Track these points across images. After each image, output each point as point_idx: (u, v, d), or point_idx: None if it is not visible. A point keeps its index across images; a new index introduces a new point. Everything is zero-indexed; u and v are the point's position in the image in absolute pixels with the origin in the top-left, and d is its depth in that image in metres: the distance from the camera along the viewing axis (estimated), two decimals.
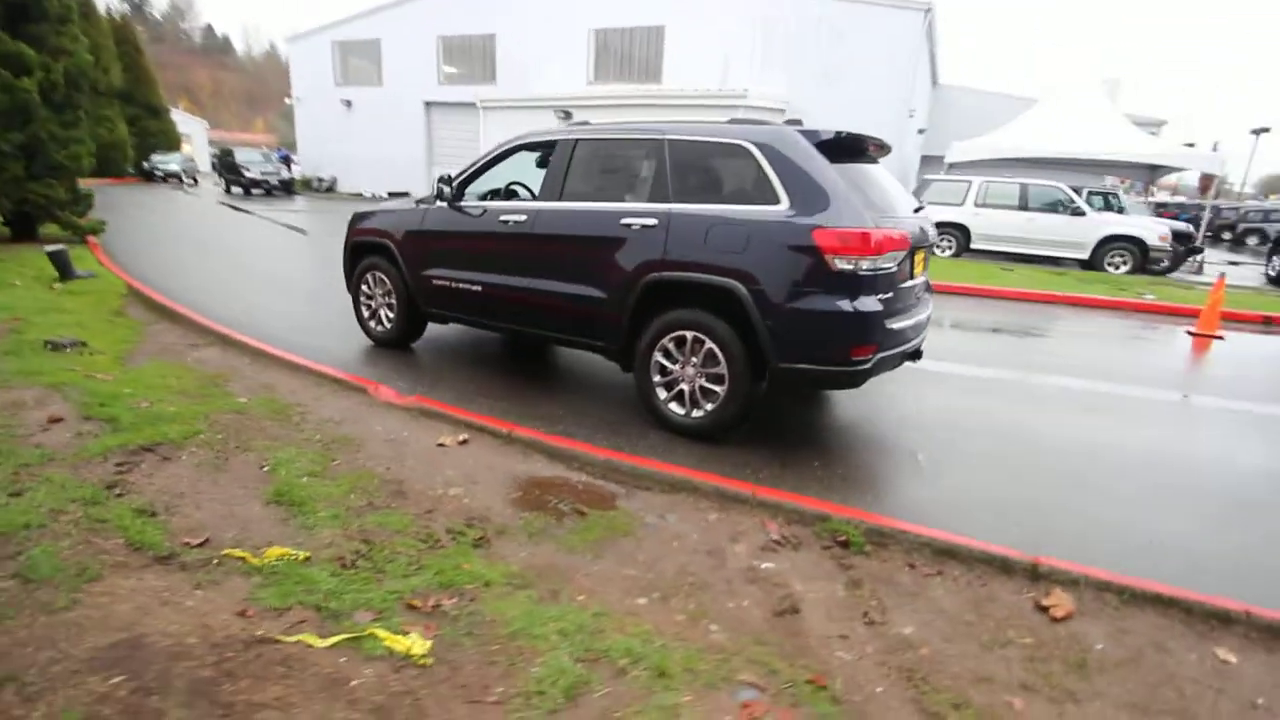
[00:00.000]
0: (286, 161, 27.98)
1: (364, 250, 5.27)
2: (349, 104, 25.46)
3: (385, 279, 5.11)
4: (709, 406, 3.66)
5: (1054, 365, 5.74)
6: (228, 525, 2.49)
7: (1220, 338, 7.38)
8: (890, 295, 3.42)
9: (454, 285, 4.63)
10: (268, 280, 8.14)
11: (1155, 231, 12.47)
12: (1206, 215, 19.69)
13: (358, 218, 5.38)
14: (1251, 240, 26.46)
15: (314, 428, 3.47)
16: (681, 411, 3.77)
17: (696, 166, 3.70)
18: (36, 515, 2.40)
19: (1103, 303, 9.15)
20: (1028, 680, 1.98)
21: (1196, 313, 7.88)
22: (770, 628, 2.14)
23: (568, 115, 17.43)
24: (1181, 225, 15.01)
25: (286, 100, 29.70)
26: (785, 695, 1.84)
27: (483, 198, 4.80)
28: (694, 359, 3.67)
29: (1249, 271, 16.36)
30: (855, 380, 3.41)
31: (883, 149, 3.98)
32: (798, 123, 3.71)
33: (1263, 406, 4.86)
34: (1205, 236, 18.66)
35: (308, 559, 2.30)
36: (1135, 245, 12.34)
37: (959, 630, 2.18)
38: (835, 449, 3.70)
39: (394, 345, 5.25)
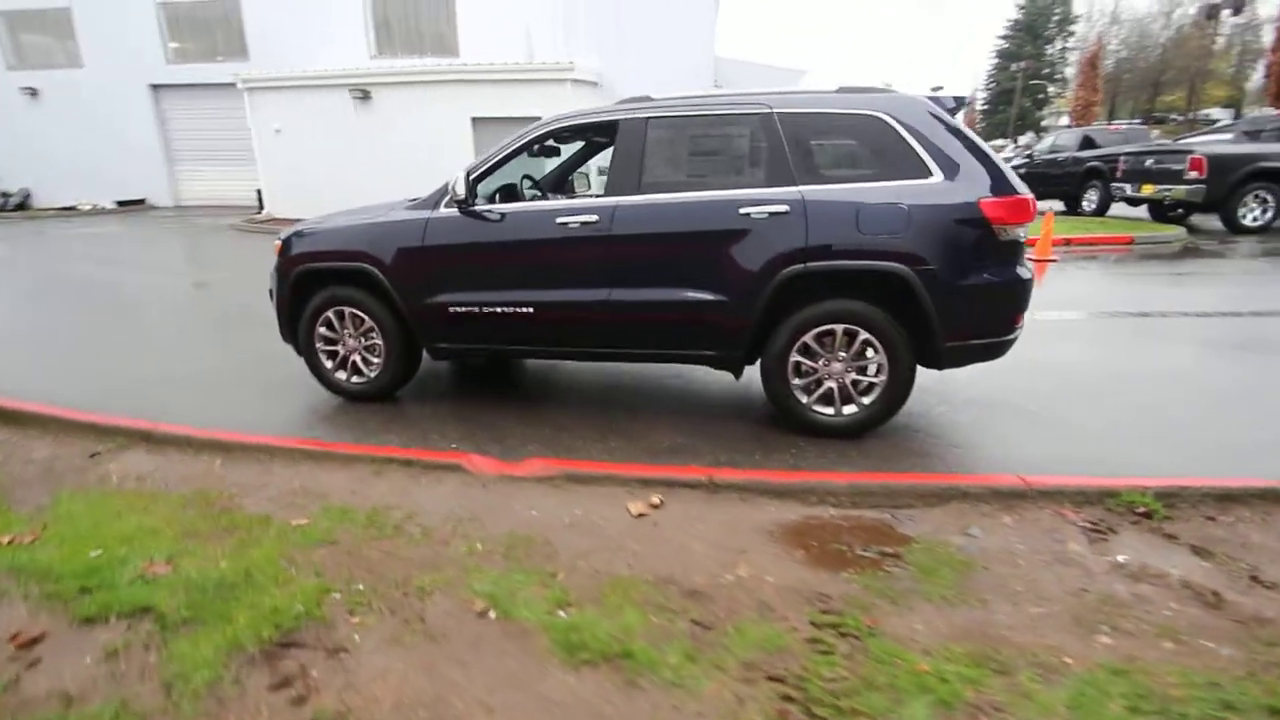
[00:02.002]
0: None
1: (317, 282, 3.99)
2: (34, 93, 19.49)
3: (363, 315, 3.93)
4: (865, 401, 3.40)
5: None
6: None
7: (1055, 260, 8.97)
8: None
9: (485, 311, 3.70)
10: (71, 337, 5.90)
11: None
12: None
13: (296, 239, 4.05)
14: None
15: (455, 535, 2.52)
16: (829, 412, 3.46)
17: (821, 141, 3.32)
18: None
19: None
20: None
21: (1033, 243, 9.46)
22: (1230, 622, 2.02)
23: (366, 95, 15.27)
24: None
25: None
26: None
27: (489, 199, 3.89)
28: (842, 353, 3.37)
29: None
30: (1007, 349, 3.39)
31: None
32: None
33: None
34: None
35: None
36: None
37: None
38: (976, 420, 3.68)
39: (376, 397, 4.09)
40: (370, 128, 15.40)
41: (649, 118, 3.48)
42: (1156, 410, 3.80)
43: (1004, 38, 53.76)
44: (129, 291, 8.21)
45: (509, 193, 4.19)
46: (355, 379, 4.12)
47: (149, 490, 2.94)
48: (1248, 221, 10.82)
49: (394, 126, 15.20)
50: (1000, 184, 3.14)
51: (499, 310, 3.69)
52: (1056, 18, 52.70)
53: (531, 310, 3.64)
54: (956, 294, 3.18)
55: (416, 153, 14.94)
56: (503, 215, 3.65)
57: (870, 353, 3.33)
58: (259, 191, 16.59)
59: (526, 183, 4.41)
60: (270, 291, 4.26)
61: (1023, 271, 3.23)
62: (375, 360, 4.04)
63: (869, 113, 3.24)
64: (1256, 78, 41.58)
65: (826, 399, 3.46)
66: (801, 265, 3.24)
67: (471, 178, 3.63)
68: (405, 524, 2.59)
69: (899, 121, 3.20)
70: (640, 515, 2.65)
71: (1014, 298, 3.25)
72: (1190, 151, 10.90)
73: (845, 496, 2.75)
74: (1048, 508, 2.67)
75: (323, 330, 4.06)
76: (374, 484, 2.95)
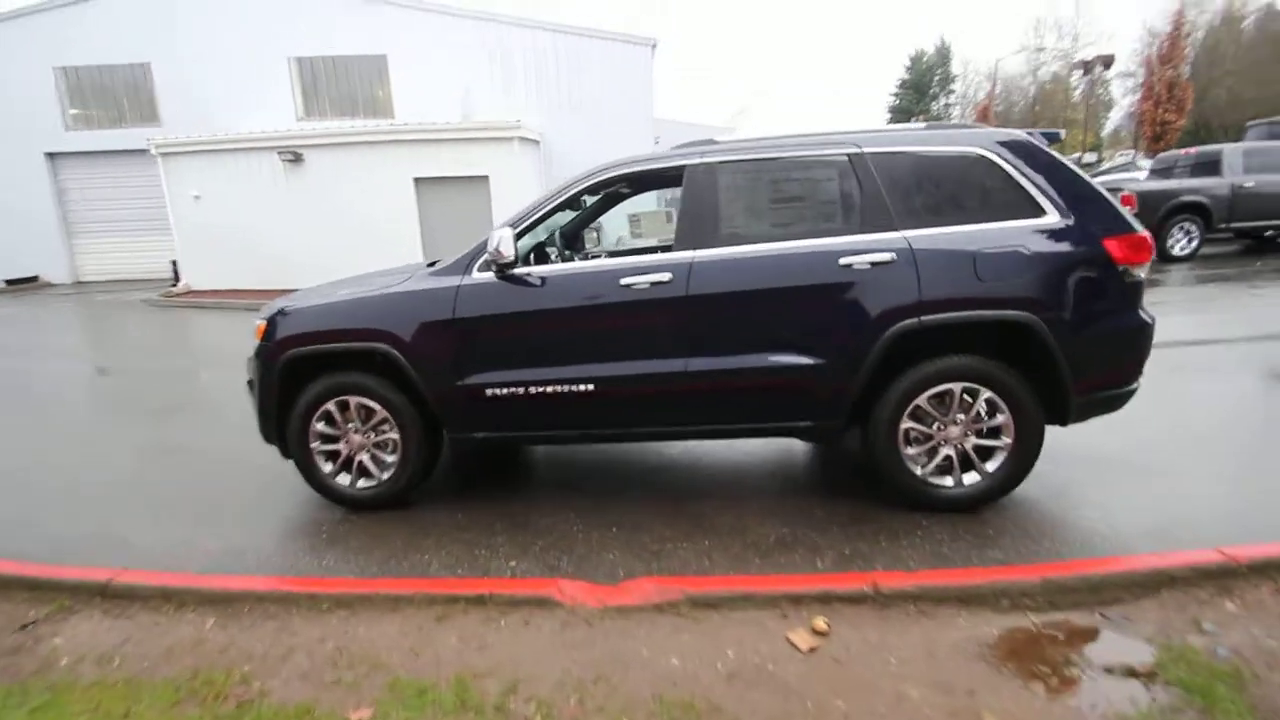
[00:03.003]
0: None
1: (314, 368, 3.27)
2: None
3: (375, 405, 3.23)
4: (990, 467, 2.99)
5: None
6: None
7: None
8: None
9: (533, 392, 3.09)
10: None
11: None
12: None
13: (283, 319, 3.33)
14: None
15: (587, 711, 1.86)
16: (948, 483, 3.02)
17: (920, 182, 2.98)
18: None
19: None
20: None
21: None
22: None
23: (297, 158, 14.40)
24: None
25: None
26: None
27: (524, 261, 3.33)
28: (961, 415, 2.96)
29: None
30: (1129, 399, 3.08)
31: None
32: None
33: None
34: None
35: None
36: None
37: None
38: (1090, 478, 3.32)
39: (389, 504, 3.36)
40: (302, 192, 14.48)
41: (720, 163, 3.06)
42: (1216, 446, 3.60)
43: (895, 95, 58.33)
44: (30, 382, 6.98)
45: (538, 254, 3.65)
46: (363, 483, 3.37)
47: (121, 678, 2.11)
48: (1176, 251, 11.56)
49: (329, 190, 14.34)
50: (1119, 221, 2.88)
51: (551, 390, 3.09)
52: (939, 76, 57.89)
53: (592, 387, 3.06)
54: (1085, 342, 2.85)
55: (355, 217, 14.12)
56: (549, 279, 3.10)
57: (994, 413, 2.94)
58: (174, 263, 15.20)
59: (556, 241, 3.87)
60: (249, 383, 3.49)
61: (1145, 316, 2.95)
62: (389, 458, 3.32)
63: (971, 150, 2.94)
64: (1110, 125, 46.38)
65: (943, 468, 3.03)
66: (915, 320, 2.84)
67: (517, 234, 3.08)
68: (510, 701, 1.91)
69: (1004, 158, 2.91)
70: (812, 649, 2.07)
71: (1141, 344, 2.95)
72: (1120, 189, 11.63)
73: (1040, 596, 2.27)
74: (1265, 585, 2.29)
75: (320, 426, 3.31)
76: (439, 636, 2.24)
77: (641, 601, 2.33)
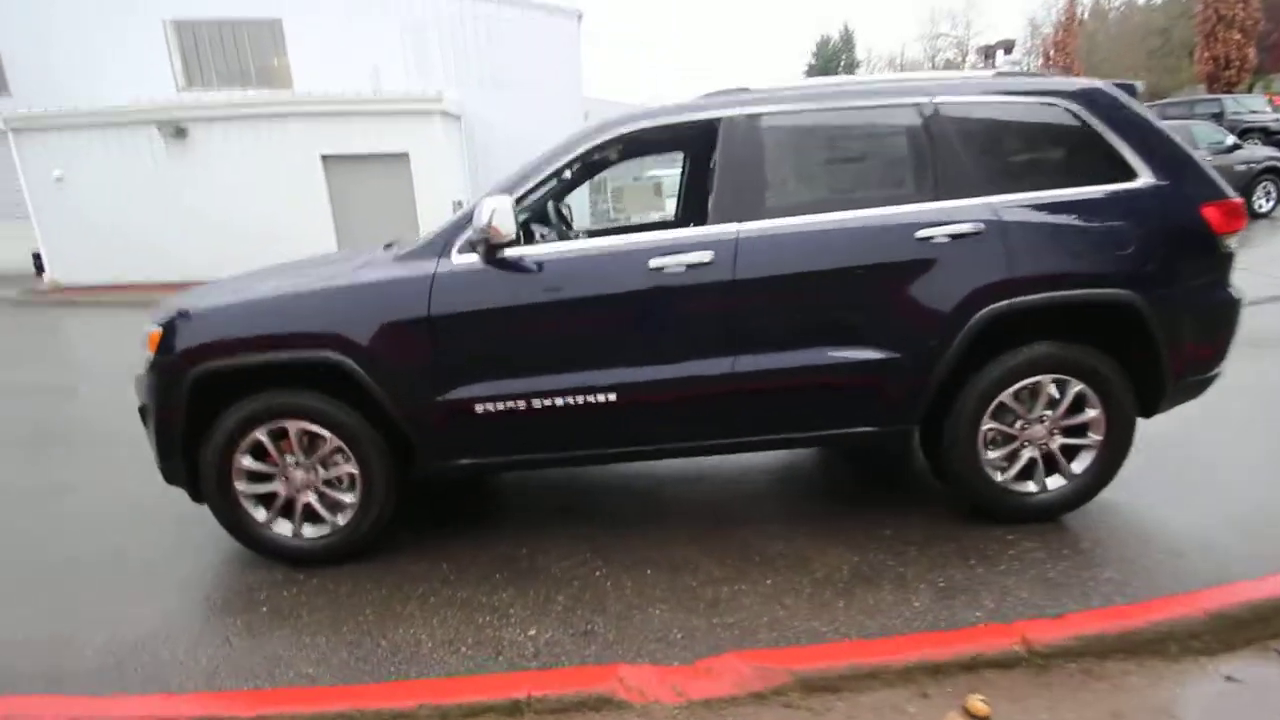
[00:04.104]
0: None
1: (236, 387, 2.47)
2: None
3: (323, 431, 2.47)
4: (1076, 468, 2.59)
5: None
6: None
7: None
8: None
9: (538, 406, 2.43)
10: None
11: None
12: None
13: (185, 323, 2.49)
14: None
15: None
16: (1030, 488, 2.61)
17: (1001, 138, 2.51)
18: None
19: None
20: None
21: None
22: None
23: (180, 132, 12.66)
24: None
25: None
26: None
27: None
28: (1046, 412, 2.55)
29: None
30: (1210, 385, 2.77)
31: None
32: None
33: None
34: None
35: None
36: None
37: None
38: (1177, 474, 3.01)
39: (345, 555, 2.61)
40: (188, 171, 12.76)
41: (765, 114, 2.47)
42: None
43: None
44: None
45: (526, 231, 2.95)
46: (311, 530, 2.60)
47: None
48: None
49: (221, 170, 12.71)
50: (1215, 186, 2.52)
51: (561, 403, 2.43)
52: (844, 62, 59.72)
53: (614, 397, 2.43)
54: (1184, 323, 2.49)
55: (253, 200, 12.59)
56: (551, 263, 2.43)
57: (1083, 408, 2.54)
58: (36, 255, 13.09)
59: (554, 214, 3.16)
60: (141, 410, 2.63)
61: (1235, 291, 2.63)
62: (346, 498, 2.56)
63: (1054, 102, 2.49)
64: None
65: (1024, 472, 2.62)
66: (1005, 302, 2.38)
67: (517, 202, 2.38)
68: None
69: (1091, 111, 2.49)
70: None
71: (1232, 323, 2.63)
72: None
73: (1208, 635, 1.87)
74: None
75: (247, 462, 2.51)
76: None
77: (736, 690, 1.75)
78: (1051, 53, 28.23)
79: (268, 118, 12.87)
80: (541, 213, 3.31)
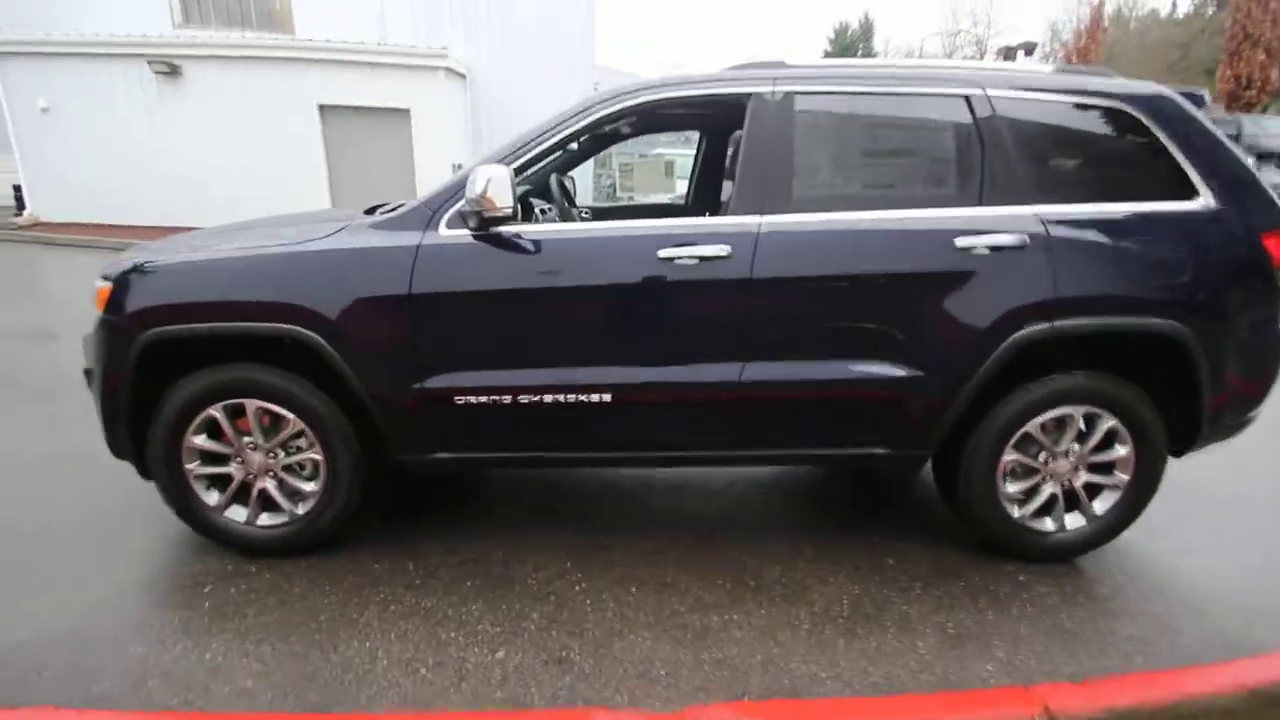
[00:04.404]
0: None
1: (190, 357, 2.22)
2: None
3: (285, 413, 2.23)
4: (1098, 508, 2.41)
5: None
6: None
7: None
8: None
9: (525, 401, 2.21)
10: None
11: None
12: None
13: (140, 280, 2.24)
14: None
15: None
16: (1048, 527, 2.42)
17: (1055, 142, 2.28)
18: None
19: None
20: None
21: None
22: None
23: (173, 70, 12.15)
24: None
25: None
26: None
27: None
28: (1074, 446, 2.35)
29: None
30: (1247, 426, 2.59)
31: None
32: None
33: None
34: None
35: None
36: None
37: None
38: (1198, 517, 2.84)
39: (304, 547, 2.39)
40: (180, 111, 12.28)
41: (802, 94, 2.22)
42: None
43: None
44: None
45: (524, 206, 2.70)
46: (268, 519, 2.38)
47: None
48: None
49: (214, 112, 12.22)
50: (1275, 210, 2.32)
51: (550, 400, 2.21)
52: (861, 51, 58.85)
53: (608, 398, 2.21)
54: (1230, 360, 2.29)
55: (246, 145, 12.16)
56: (548, 244, 2.19)
57: (1112, 444, 2.35)
58: (17, 188, 12.61)
59: (558, 189, 2.89)
60: (86, 373, 2.38)
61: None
62: (307, 486, 2.34)
63: (1119, 107, 2.25)
64: None
65: (1043, 508, 2.43)
66: (1046, 324, 2.17)
67: (516, 172, 2.12)
68: None
69: (1157, 121, 2.25)
70: None
71: (1277, 362, 2.44)
72: None
73: (1245, 715, 1.70)
74: None
75: (200, 441, 2.28)
76: None
77: None
78: (1073, 59, 27.78)
79: (265, 61, 12.36)
80: (543, 186, 3.05)
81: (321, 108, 12.36)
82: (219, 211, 12.06)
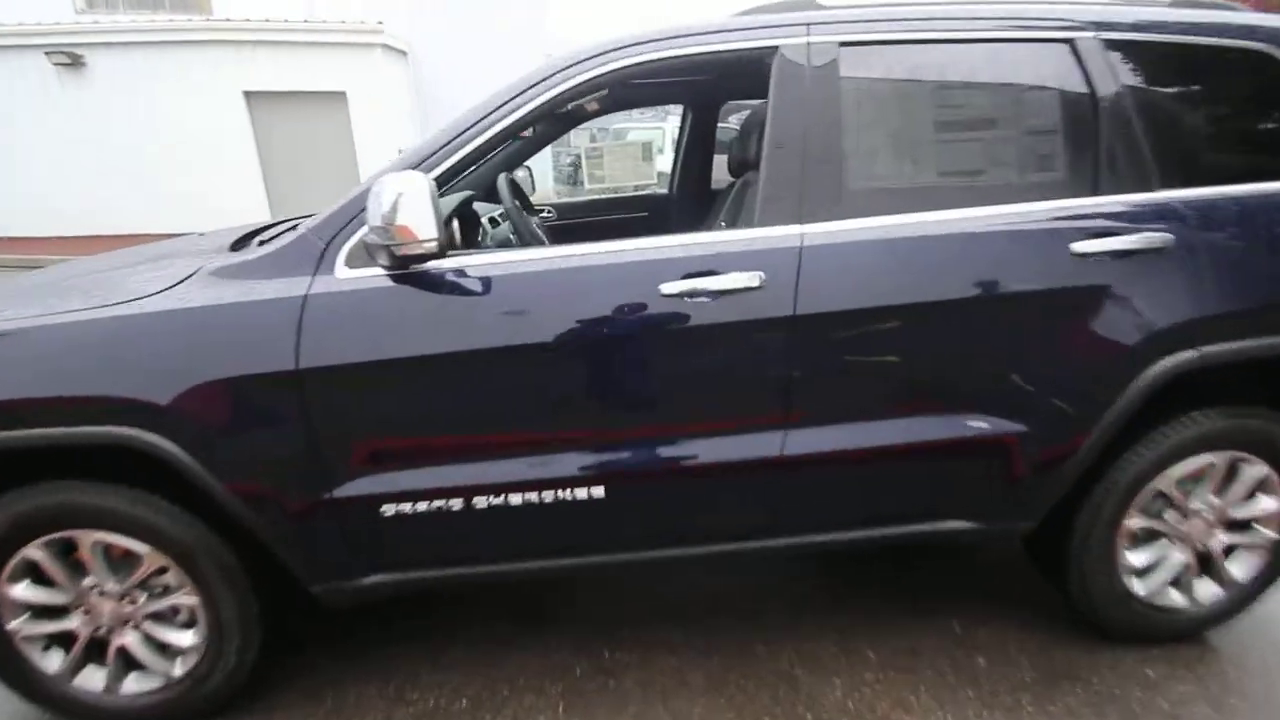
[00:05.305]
0: None
1: None
2: None
3: (137, 545, 1.54)
4: (1237, 573, 1.86)
5: None
6: None
7: None
8: None
9: (482, 505, 1.55)
10: None
11: None
12: None
13: None
14: None
15: None
16: (1178, 602, 1.87)
17: (1188, 102, 1.67)
18: None
19: None
20: None
21: None
22: None
23: (75, 60, 10.89)
24: None
25: None
26: None
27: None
28: (1213, 500, 1.79)
29: None
30: None
31: None
32: None
33: None
34: None
35: None
36: None
37: None
38: None
39: (204, 715, 1.73)
40: (86, 109, 11.01)
41: (845, 43, 1.56)
42: None
43: None
44: None
45: (463, 218, 2.00)
46: (135, 683, 1.69)
47: None
48: None
49: (125, 106, 11.00)
50: None
51: (518, 501, 1.56)
52: None
53: (601, 492, 1.57)
54: None
55: (162, 142, 10.97)
56: (500, 283, 1.50)
57: (1257, 495, 1.80)
58: None
59: (508, 190, 2.17)
60: None
61: None
62: (184, 639, 1.66)
63: (1254, 46, 1.65)
64: None
65: (1170, 579, 1.88)
66: (1193, 352, 1.59)
67: (438, 181, 1.44)
68: None
69: None
70: None
71: None
72: None
73: None
74: None
75: (20, 590, 1.58)
76: None
77: None
78: None
79: (180, 44, 11.13)
80: (490, 187, 2.36)
81: (248, 94, 11.23)
82: (139, 215, 10.93)
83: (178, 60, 11.09)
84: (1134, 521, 1.78)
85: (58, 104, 10.98)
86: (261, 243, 1.72)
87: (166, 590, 1.63)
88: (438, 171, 1.48)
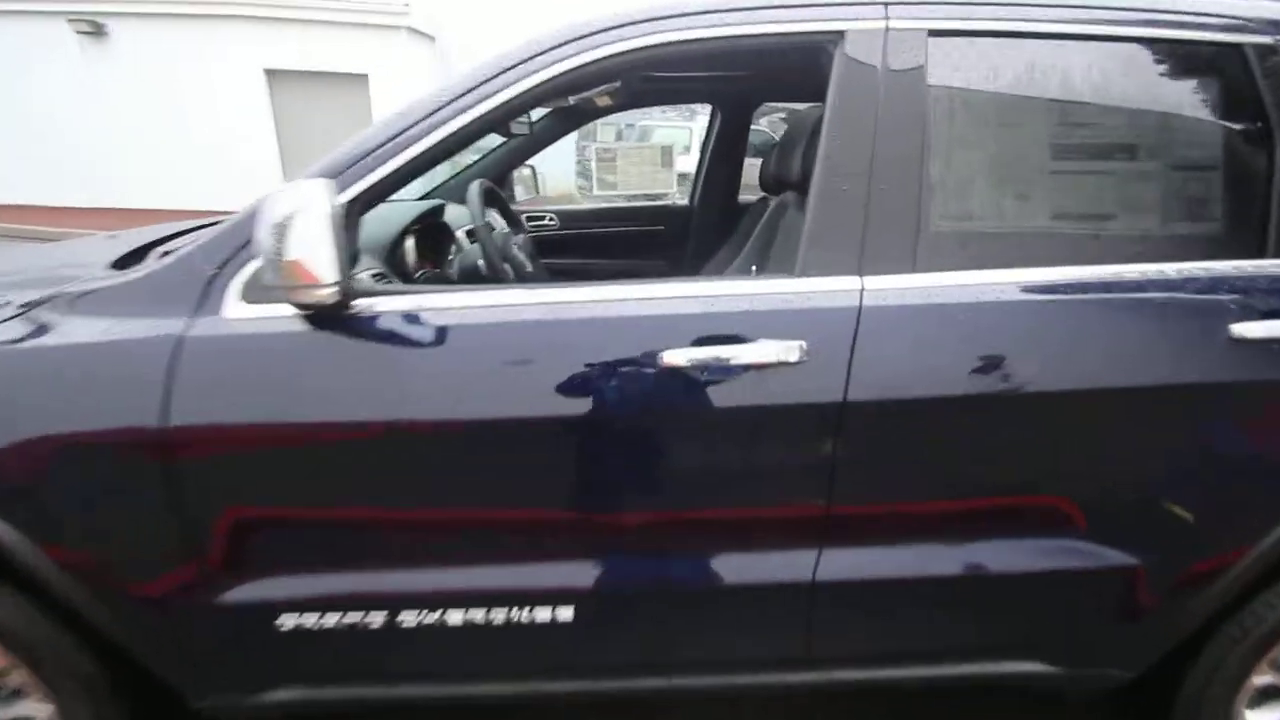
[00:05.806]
0: None
1: None
2: None
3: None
4: None
5: None
6: None
7: None
8: None
9: (410, 623, 1.17)
10: None
11: None
12: None
13: None
14: None
15: None
16: None
17: None
18: None
19: None
20: None
21: None
22: None
23: (97, 30, 10.73)
24: None
25: None
26: None
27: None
28: None
29: None
30: None
31: None
32: None
33: None
34: None
35: None
36: None
37: None
38: None
39: None
40: (109, 79, 10.83)
41: (934, 32, 1.15)
42: None
43: None
44: None
45: (425, 236, 1.62)
46: None
47: None
48: None
49: (147, 78, 10.80)
50: None
51: (460, 620, 1.18)
52: None
53: (570, 614, 1.19)
54: None
55: (183, 116, 10.77)
56: (458, 333, 1.12)
57: None
58: None
59: (479, 197, 1.78)
60: None
61: None
62: None
63: None
64: None
65: None
66: None
67: (353, 202, 1.07)
68: None
69: None
70: None
71: None
72: None
73: None
74: None
75: None
76: None
77: None
78: None
79: (203, 19, 10.90)
80: (500, 179, 1.97)
81: (269, 73, 10.98)
82: (156, 188, 10.73)
83: (200, 34, 10.88)
84: (1264, 678, 1.37)
85: (76, 72, 10.82)
86: (165, 254, 1.35)
87: (16, 693, 1.28)
88: (361, 186, 1.09)
